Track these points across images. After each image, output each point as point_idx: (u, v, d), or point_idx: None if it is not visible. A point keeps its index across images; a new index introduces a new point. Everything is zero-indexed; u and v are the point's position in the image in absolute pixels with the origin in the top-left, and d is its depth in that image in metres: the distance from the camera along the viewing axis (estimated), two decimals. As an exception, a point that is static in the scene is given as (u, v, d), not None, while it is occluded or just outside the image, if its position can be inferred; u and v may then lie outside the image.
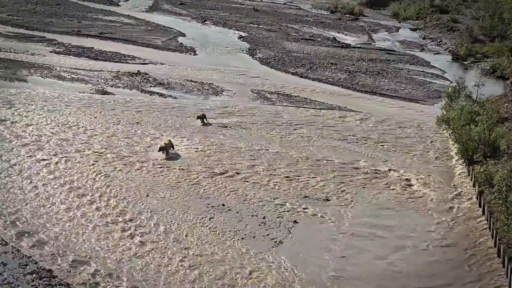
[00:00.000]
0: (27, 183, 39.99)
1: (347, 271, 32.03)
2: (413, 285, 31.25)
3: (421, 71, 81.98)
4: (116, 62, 75.68)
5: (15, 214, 35.85)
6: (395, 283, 31.35)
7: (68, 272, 30.44)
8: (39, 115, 52.79)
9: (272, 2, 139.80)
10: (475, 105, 55.63)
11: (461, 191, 42.44)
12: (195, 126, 53.20)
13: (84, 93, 61.18)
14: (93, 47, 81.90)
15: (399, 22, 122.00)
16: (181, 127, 52.73)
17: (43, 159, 43.74)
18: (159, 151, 45.60)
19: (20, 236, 33.49)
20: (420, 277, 31.96)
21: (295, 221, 37.17)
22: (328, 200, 40.43)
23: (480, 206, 39.60)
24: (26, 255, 31.68)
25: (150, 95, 62.70)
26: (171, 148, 46.47)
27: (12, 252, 31.88)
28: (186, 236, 34.64)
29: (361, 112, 60.84)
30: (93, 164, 43.54)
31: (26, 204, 37.09)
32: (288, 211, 38.45)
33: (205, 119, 53.86)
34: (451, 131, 49.90)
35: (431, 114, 59.19)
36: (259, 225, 36.51)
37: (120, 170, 42.96)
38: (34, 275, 29.95)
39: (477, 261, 33.53)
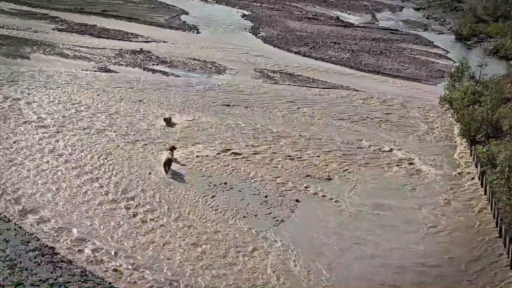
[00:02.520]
0: (29, 160, 39.99)
1: (349, 250, 32.06)
2: (412, 265, 31.24)
3: (424, 51, 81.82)
4: (119, 40, 75.54)
5: (18, 191, 35.87)
6: (393, 261, 31.34)
7: (70, 249, 30.49)
8: (41, 92, 52.74)
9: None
10: (478, 85, 55.52)
11: (463, 171, 42.44)
12: (199, 105, 53.14)
13: (86, 70, 61.09)
14: (96, 25, 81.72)
15: (403, 1, 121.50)
16: (184, 106, 52.65)
17: (46, 137, 43.73)
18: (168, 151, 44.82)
19: (23, 213, 33.52)
20: (419, 257, 31.93)
21: (297, 200, 37.21)
22: (330, 179, 40.45)
23: (482, 186, 39.61)
24: (28, 232, 31.71)
25: (153, 73, 62.62)
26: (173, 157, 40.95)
27: (15, 229, 31.92)
28: (188, 214, 34.68)
29: (364, 91, 60.75)
30: (95, 142, 43.52)
31: (29, 182, 37.11)
32: (290, 190, 38.48)
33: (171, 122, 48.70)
34: (453, 111, 49.82)
35: (434, 94, 59.09)
36: (261, 203, 36.55)
37: (123, 148, 42.96)
38: (36, 252, 29.99)
39: (478, 241, 33.53)
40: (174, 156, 40.97)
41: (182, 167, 40.47)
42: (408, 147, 46.16)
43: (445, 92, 54.37)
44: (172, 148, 41.64)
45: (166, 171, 39.55)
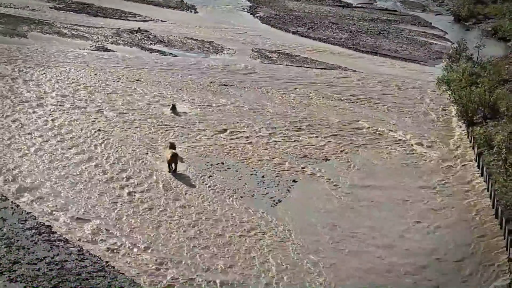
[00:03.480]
0: (26, 139, 39.99)
1: (345, 230, 32.06)
2: (406, 248, 31.25)
3: (423, 32, 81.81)
4: (116, 19, 75.50)
5: (15, 170, 35.89)
6: (388, 240, 31.36)
7: (67, 228, 30.53)
8: (39, 71, 52.71)
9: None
10: (475, 66, 55.46)
11: (461, 153, 42.46)
12: (196, 85, 53.10)
13: (84, 49, 61.03)
14: (93, 4, 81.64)
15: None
16: (181, 86, 52.62)
17: (43, 116, 43.72)
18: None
19: (20, 192, 33.54)
20: (413, 240, 31.97)
21: (294, 181, 37.21)
22: (327, 159, 40.46)
23: (479, 167, 39.65)
24: (25, 211, 31.73)
25: (150, 52, 62.57)
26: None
27: (12, 208, 31.93)
28: (185, 194, 34.71)
29: (362, 72, 60.75)
30: (93, 121, 43.52)
31: (26, 160, 37.13)
32: (287, 170, 38.50)
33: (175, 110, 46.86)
34: (451, 92, 49.82)
35: (432, 75, 59.07)
36: (258, 183, 36.57)
37: (120, 127, 42.95)
38: (33, 231, 30.01)
39: (475, 222, 33.56)
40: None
41: (178, 146, 40.42)
42: (405, 128, 46.16)
43: (443, 73, 54.29)
44: (172, 146, 38.39)
45: (170, 169, 37.14)
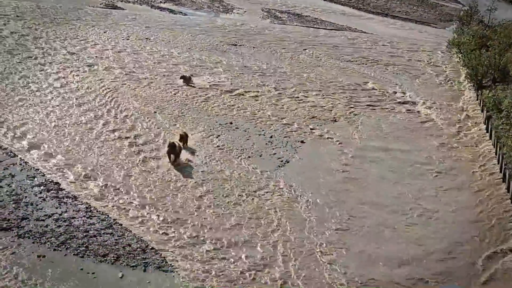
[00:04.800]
0: (35, 96, 40.02)
1: (352, 191, 32.10)
2: (413, 207, 31.24)
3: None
4: (126, -24, 75.07)
5: (24, 126, 35.95)
6: (395, 200, 31.35)
7: (75, 185, 30.62)
8: (48, 28, 52.58)
9: None
10: (486, 29, 55.16)
11: (469, 116, 42.37)
12: (205, 43, 52.97)
13: (93, 7, 60.78)
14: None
15: None
16: (191, 45, 52.49)
17: (52, 73, 43.70)
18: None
19: (29, 149, 33.63)
20: (420, 199, 31.96)
21: (302, 141, 37.24)
22: (335, 121, 40.43)
23: (487, 131, 39.58)
24: (34, 168, 31.83)
25: (160, 11, 62.36)
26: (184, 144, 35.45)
27: (20, 164, 32.03)
28: (193, 153, 34.74)
29: (372, 34, 60.47)
30: (101, 79, 43.49)
31: (35, 117, 37.16)
32: (295, 131, 38.49)
33: (190, 81, 44.79)
34: (461, 55, 49.60)
35: (442, 37, 58.78)
36: (266, 144, 36.59)
37: (129, 86, 42.92)
38: (41, 187, 30.11)
39: (483, 186, 33.53)
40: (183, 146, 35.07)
41: (187, 105, 40.38)
42: (413, 90, 46.06)
43: (453, 35, 54.09)
44: (182, 137, 35.44)
45: (170, 160, 33.31)
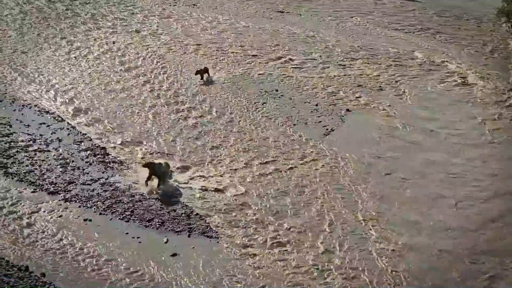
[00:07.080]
0: (84, 61, 40.36)
1: (397, 160, 31.86)
2: (454, 180, 31.02)
3: (484, -40, 79.91)
4: None
5: (71, 91, 36.33)
6: (438, 171, 31.12)
7: (121, 150, 30.89)
8: (96, -7, 52.95)
9: None
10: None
11: (517, 86, 41.93)
12: (252, 10, 52.86)
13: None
14: None
15: None
16: (237, 12, 52.42)
17: (99, 38, 43.99)
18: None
19: (76, 113, 33.98)
20: (465, 174, 31.69)
21: (347, 110, 37.09)
22: (381, 89, 40.16)
23: (536, 100, 39.16)
24: (81, 132, 32.19)
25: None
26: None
27: (68, 129, 32.40)
28: (239, 121, 34.81)
29: (420, 1, 59.78)
30: (148, 45, 43.67)
31: (82, 83, 37.51)
32: (341, 99, 38.33)
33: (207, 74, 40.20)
34: (510, 24, 48.89)
35: (491, 6, 57.91)
36: (311, 112, 36.51)
37: (175, 51, 43.06)
38: (88, 152, 30.47)
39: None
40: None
41: (232, 72, 40.40)
42: (461, 60, 45.51)
43: (502, 4, 53.23)
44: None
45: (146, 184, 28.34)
